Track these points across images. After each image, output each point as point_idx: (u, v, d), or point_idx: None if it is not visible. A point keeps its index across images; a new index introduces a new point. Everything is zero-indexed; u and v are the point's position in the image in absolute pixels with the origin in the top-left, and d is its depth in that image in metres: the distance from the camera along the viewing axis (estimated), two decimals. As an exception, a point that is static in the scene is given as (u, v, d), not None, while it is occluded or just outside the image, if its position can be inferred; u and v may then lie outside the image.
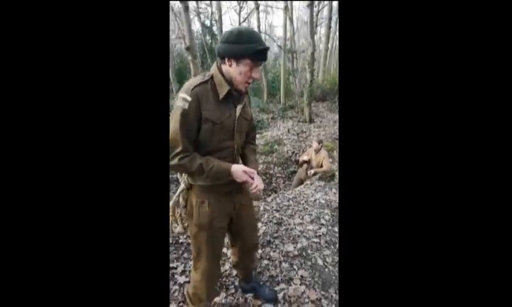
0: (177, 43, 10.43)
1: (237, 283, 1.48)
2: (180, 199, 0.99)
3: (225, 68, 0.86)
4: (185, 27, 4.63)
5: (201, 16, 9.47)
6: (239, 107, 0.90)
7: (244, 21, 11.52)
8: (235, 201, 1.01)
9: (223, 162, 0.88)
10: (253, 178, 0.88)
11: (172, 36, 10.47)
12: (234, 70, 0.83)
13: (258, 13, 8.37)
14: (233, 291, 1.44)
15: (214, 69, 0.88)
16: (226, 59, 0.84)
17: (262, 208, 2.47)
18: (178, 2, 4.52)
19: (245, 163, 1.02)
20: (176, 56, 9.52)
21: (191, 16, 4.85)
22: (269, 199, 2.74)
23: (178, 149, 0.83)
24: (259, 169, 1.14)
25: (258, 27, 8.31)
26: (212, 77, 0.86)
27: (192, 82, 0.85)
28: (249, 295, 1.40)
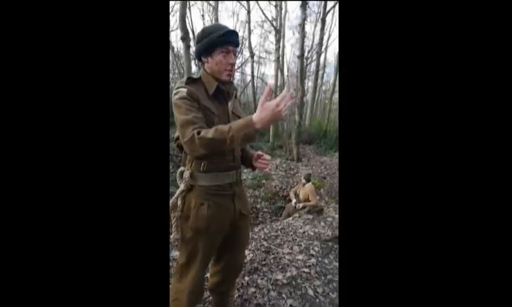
0: (176, 80, 10.94)
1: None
2: (178, 202, 0.92)
3: (207, 66, 0.89)
4: (185, 64, 4.96)
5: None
6: (230, 103, 0.92)
7: (238, 68, 12.48)
8: (236, 207, 0.96)
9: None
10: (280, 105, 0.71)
11: (171, 74, 10.99)
12: (212, 63, 0.87)
13: (253, 62, 9.15)
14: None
15: (200, 72, 0.92)
16: (202, 58, 0.89)
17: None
18: (180, 41, 4.92)
19: (245, 158, 1.02)
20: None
21: (192, 55, 5.22)
22: (256, 229, 2.62)
23: (191, 127, 0.77)
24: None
25: (252, 73, 8.99)
26: (200, 78, 0.89)
27: (182, 79, 0.87)
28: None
